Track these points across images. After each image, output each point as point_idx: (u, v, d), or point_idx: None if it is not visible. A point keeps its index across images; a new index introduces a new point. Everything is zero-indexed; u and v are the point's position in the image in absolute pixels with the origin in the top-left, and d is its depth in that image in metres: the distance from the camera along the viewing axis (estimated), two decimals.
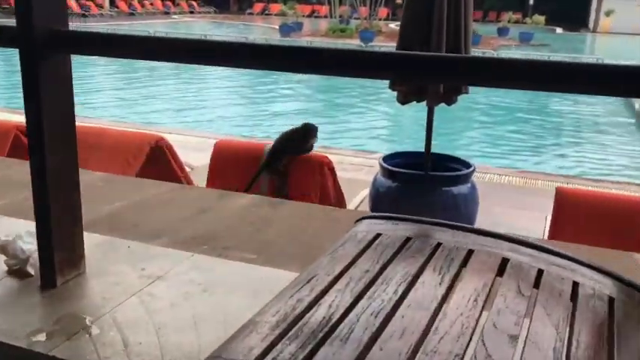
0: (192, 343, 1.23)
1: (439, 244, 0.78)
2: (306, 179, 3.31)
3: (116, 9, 35.62)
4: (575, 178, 6.12)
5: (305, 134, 3.48)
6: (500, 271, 0.73)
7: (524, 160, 7.39)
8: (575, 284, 0.71)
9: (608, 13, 32.10)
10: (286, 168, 3.39)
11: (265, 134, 7.69)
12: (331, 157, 6.13)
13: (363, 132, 8.30)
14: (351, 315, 0.59)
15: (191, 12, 40.36)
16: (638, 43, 27.33)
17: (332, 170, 3.50)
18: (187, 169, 4.91)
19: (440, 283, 0.67)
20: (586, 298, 0.68)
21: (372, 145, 7.44)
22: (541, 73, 1.05)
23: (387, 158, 3.80)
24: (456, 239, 0.80)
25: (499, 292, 0.68)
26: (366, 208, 3.85)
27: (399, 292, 0.64)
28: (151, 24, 29.01)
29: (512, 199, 5.16)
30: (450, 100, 3.60)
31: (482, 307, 0.64)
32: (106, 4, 35.79)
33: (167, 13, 37.57)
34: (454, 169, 3.69)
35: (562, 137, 8.60)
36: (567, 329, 0.61)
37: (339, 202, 3.64)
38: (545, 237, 2.95)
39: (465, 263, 0.73)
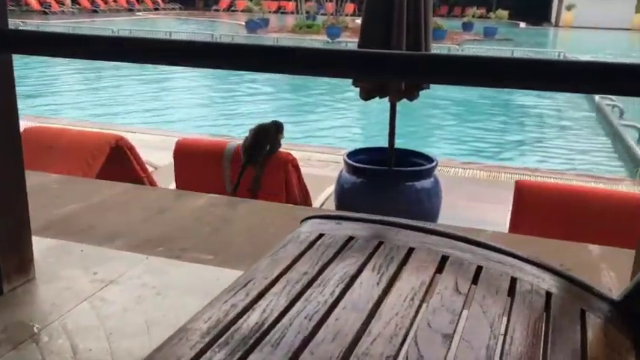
0: (144, 348, 1.21)
1: (381, 243, 0.78)
2: (270, 177, 3.28)
3: (78, 6, 34.86)
4: (537, 170, 6.23)
5: (278, 129, 3.47)
6: (440, 269, 0.73)
7: (488, 154, 7.50)
8: (514, 280, 0.72)
9: (569, 8, 32.77)
10: (264, 160, 3.38)
11: (232, 132, 7.62)
12: (299, 154, 6.12)
13: (331, 129, 8.31)
14: (285, 319, 0.58)
15: (156, 9, 39.76)
16: (599, 36, 28.01)
17: (296, 167, 3.48)
18: (151, 169, 4.84)
19: (377, 283, 0.66)
20: (523, 293, 0.69)
21: (339, 141, 7.44)
22: (497, 70, 1.05)
23: (351, 154, 3.79)
24: (398, 237, 0.79)
25: (436, 290, 0.67)
26: (331, 204, 3.85)
27: (336, 294, 0.63)
28: (115, 21, 28.49)
29: (476, 192, 5.22)
30: (411, 96, 3.61)
31: (419, 306, 0.63)
32: (68, 0, 35.02)
33: (131, 10, 36.94)
34: (417, 164, 3.70)
35: (524, 131, 8.74)
36: (503, 326, 0.61)
37: (305, 199, 3.63)
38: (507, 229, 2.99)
39: (405, 262, 0.73)
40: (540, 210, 2.88)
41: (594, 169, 6.95)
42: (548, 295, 0.70)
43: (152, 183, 3.80)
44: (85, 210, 2.02)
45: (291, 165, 3.42)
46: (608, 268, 1.68)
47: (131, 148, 3.77)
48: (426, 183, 3.54)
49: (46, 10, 31.26)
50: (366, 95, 3.69)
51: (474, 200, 4.92)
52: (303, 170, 4.07)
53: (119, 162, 3.66)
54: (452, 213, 4.03)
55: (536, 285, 0.72)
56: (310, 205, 3.69)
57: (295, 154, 6.62)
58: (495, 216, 4.20)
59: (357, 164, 3.59)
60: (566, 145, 7.86)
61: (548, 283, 0.74)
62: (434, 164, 3.61)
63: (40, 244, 1.54)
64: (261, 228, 1.94)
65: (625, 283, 1.16)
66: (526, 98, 10.80)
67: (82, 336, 1.26)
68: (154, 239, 1.78)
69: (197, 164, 3.45)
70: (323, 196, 3.90)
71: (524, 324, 0.63)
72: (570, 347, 0.61)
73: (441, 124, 8.83)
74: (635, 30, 30.60)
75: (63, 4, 33.96)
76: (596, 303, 0.72)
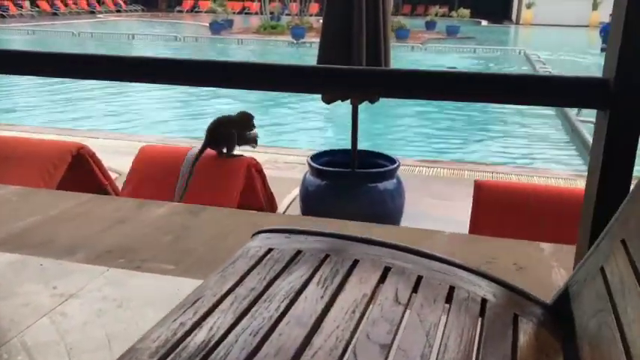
0: None
1: (327, 256, 0.81)
2: (233, 182, 3.29)
3: (37, 9, 34.08)
4: (499, 166, 6.35)
5: (244, 118, 3.46)
6: (383, 279, 0.76)
7: (452, 152, 7.63)
8: (452, 288, 0.75)
9: (529, 6, 33.47)
10: (229, 145, 3.37)
11: (198, 135, 7.58)
12: (265, 156, 6.12)
13: (299, 131, 8.32)
14: (231, 336, 0.61)
15: (118, 11, 39.13)
16: (559, 33, 28.67)
17: (260, 172, 3.50)
18: (115, 176, 4.78)
19: (322, 297, 0.69)
20: (460, 301, 0.72)
21: (306, 142, 7.46)
22: (448, 84, 1.10)
23: (315, 157, 3.83)
24: (344, 249, 0.82)
25: (377, 302, 0.70)
26: (297, 207, 3.88)
27: (281, 309, 0.66)
28: (75, 24, 27.93)
29: (440, 190, 5.30)
30: (373, 98, 3.67)
31: (360, 318, 0.67)
32: (27, 3, 34.18)
33: (92, 12, 36.29)
34: (380, 165, 3.76)
35: (485, 129, 8.89)
36: (438, 334, 0.65)
37: (270, 203, 3.65)
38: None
39: (349, 274, 0.76)
40: (498, 208, 2.96)
41: (553, 164, 7.14)
42: (484, 301, 0.74)
43: (115, 190, 3.77)
44: (43, 223, 2.01)
45: (254, 170, 3.44)
46: (558, 266, 1.75)
47: (93, 156, 3.73)
48: (388, 184, 3.60)
49: (3, 13, 30.48)
50: (328, 99, 3.74)
51: (438, 198, 5.01)
52: (270, 173, 4.09)
53: (81, 170, 3.62)
54: (416, 211, 4.10)
55: (473, 292, 0.76)
56: (276, 208, 3.71)
57: (262, 156, 6.63)
58: (457, 212, 4.29)
59: (321, 167, 3.63)
60: (527, 142, 8.04)
61: (484, 290, 0.78)
62: (396, 165, 3.67)
63: None
64: (222, 236, 1.96)
65: None
66: (487, 105, 10.98)
67: (42, 353, 1.26)
68: (114, 250, 1.78)
69: (159, 170, 3.43)
70: (288, 199, 3.93)
71: (458, 331, 0.67)
72: (502, 352, 0.65)
73: (404, 123, 8.93)
74: (593, 27, 31.41)
75: (21, 7, 33.15)
76: (530, 308, 0.76)
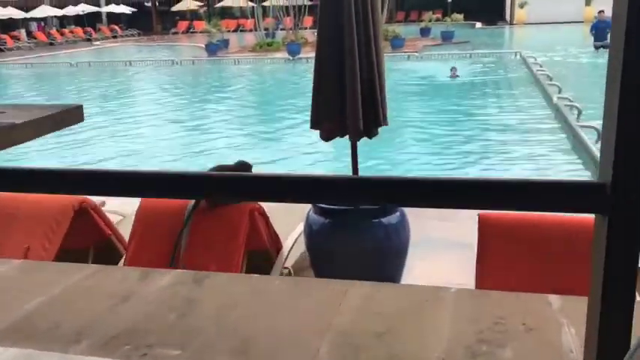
0: None
1: None
2: (237, 233, 3.27)
3: (34, 40, 34.40)
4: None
5: (248, 168, 3.46)
6: None
7: (454, 164, 7.60)
8: None
9: (522, 5, 33.55)
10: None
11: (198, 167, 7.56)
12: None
13: (300, 157, 8.24)
14: None
15: (114, 36, 39.46)
16: (554, 31, 28.69)
17: (263, 215, 3.48)
18: (119, 218, 4.78)
19: None
20: None
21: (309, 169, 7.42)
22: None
23: None
24: None
25: None
26: (302, 244, 3.85)
27: None
28: (73, 53, 28.14)
29: (443, 212, 5.28)
30: (370, 134, 3.66)
31: None
32: (23, 35, 34.50)
33: (89, 40, 36.60)
34: None
35: (488, 138, 8.81)
36: None
37: (275, 244, 3.64)
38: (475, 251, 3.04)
39: None
40: (506, 244, 2.92)
41: (554, 170, 7.10)
42: None
43: (120, 240, 3.77)
44: (48, 305, 2.00)
45: (257, 213, 3.42)
46: (568, 324, 1.72)
47: (95, 208, 3.74)
48: (392, 218, 3.59)
49: (1, 47, 30.79)
50: (326, 136, 3.73)
51: (440, 220, 4.98)
52: (269, 204, 4.05)
53: (84, 224, 3.62)
54: (420, 237, 4.07)
55: None
56: (281, 247, 3.69)
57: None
58: (461, 235, 4.28)
59: (324, 205, 3.62)
60: (529, 149, 8.01)
61: None
62: None
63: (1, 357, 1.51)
64: (228, 308, 1.94)
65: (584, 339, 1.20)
66: (488, 108, 10.96)
67: None
68: (120, 334, 1.77)
69: (160, 226, 3.41)
70: (292, 237, 3.89)
71: None
72: None
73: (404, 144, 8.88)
74: (587, 22, 31.42)
75: (18, 40, 33.49)
76: None
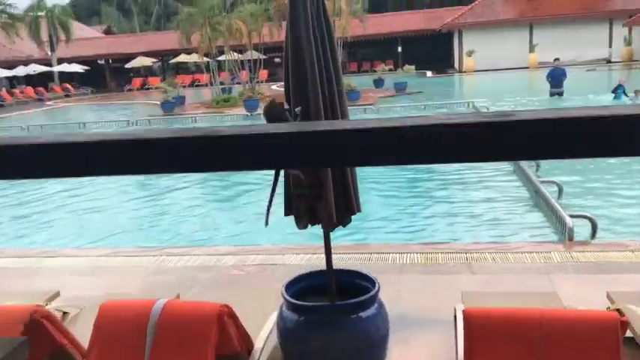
0: None
1: None
2: (205, 339, 3.06)
3: None
4: (478, 244, 6.25)
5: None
6: None
7: (417, 227, 7.56)
8: None
9: (469, 54, 34.87)
10: None
11: (161, 243, 7.29)
12: (234, 258, 5.88)
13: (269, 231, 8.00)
14: None
15: (67, 95, 38.92)
16: (502, 78, 29.75)
17: (232, 317, 3.29)
18: (76, 311, 4.49)
19: None
20: None
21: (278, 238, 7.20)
22: None
23: (290, 285, 3.65)
24: None
25: None
26: (274, 340, 3.65)
27: None
28: (24, 115, 27.51)
29: (419, 282, 5.17)
30: (344, 222, 3.56)
31: None
32: None
33: (41, 100, 35.97)
34: (359, 285, 3.61)
35: (450, 201, 8.75)
36: None
37: (246, 344, 3.45)
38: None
39: None
40: (495, 341, 2.82)
41: (520, 229, 7.13)
42: None
43: (77, 348, 3.52)
44: None
45: (227, 317, 3.24)
46: None
47: (49, 317, 3.49)
48: (370, 311, 3.45)
49: None
50: (303, 226, 3.61)
51: (417, 292, 4.86)
52: (237, 278, 3.81)
53: (38, 334, 3.36)
54: (397, 314, 3.94)
55: None
56: (252, 347, 3.49)
57: (229, 259, 6.38)
58: (440, 309, 4.16)
59: (297, 302, 3.45)
60: (492, 210, 8.04)
61: None
62: (376, 289, 3.52)
63: None
64: None
65: None
66: (448, 174, 11.04)
67: None
68: None
69: (119, 332, 3.18)
70: (263, 335, 3.68)
71: None
72: None
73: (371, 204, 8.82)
74: (532, 68, 32.85)
75: None
76: None
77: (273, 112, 3.35)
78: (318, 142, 0.64)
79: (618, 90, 16.65)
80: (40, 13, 38.88)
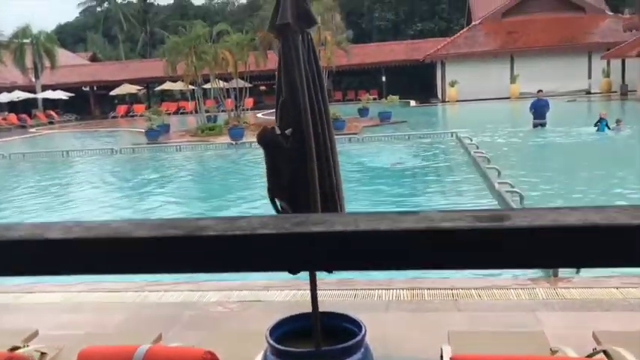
0: None
1: None
2: None
3: None
4: (464, 280, 6.19)
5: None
6: None
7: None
8: None
9: (452, 84, 35.37)
10: None
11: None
12: (216, 295, 5.77)
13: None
14: None
15: (50, 122, 38.65)
16: (485, 108, 30.16)
17: None
18: (54, 353, 4.34)
19: None
20: None
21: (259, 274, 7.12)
22: None
23: (274, 329, 3.59)
24: None
25: None
26: None
27: None
28: (7, 142, 27.23)
29: (405, 319, 5.12)
30: (330, 269, 3.52)
31: None
32: None
33: (23, 127, 35.66)
34: (345, 329, 3.56)
35: None
36: None
37: None
38: None
39: None
40: None
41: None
42: None
43: None
44: None
45: None
46: None
47: None
48: (357, 356, 3.39)
49: None
50: (295, 272, 3.57)
51: (405, 331, 4.80)
52: (220, 316, 3.69)
53: None
54: (385, 355, 3.88)
55: None
56: None
57: (212, 294, 6.26)
58: (428, 347, 4.11)
59: (282, 347, 3.39)
60: None
61: None
62: (362, 333, 3.47)
63: None
64: None
65: None
66: (431, 195, 11.10)
67: None
68: None
69: None
70: None
71: None
72: None
73: None
74: (514, 98, 33.38)
75: None
76: None
77: (267, 138, 3.41)
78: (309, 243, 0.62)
79: (601, 123, 16.83)
80: (25, 40, 38.79)
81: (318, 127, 3.35)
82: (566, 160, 13.59)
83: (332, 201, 3.52)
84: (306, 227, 0.61)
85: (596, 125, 17.03)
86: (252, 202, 9.71)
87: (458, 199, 10.54)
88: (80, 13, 71.96)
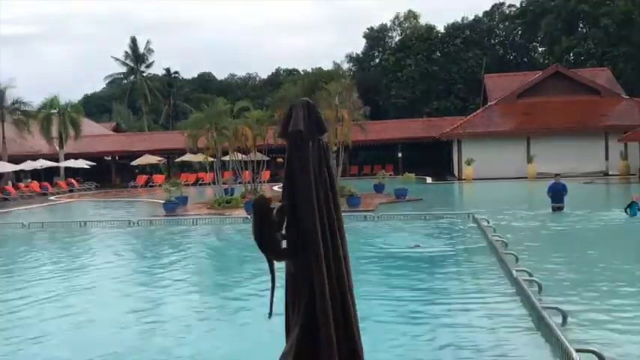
0: None
1: None
2: None
3: None
4: None
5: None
6: None
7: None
8: None
9: (469, 162, 35.54)
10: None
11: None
12: None
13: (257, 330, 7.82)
14: None
15: (71, 190, 39.31)
16: (502, 188, 30.10)
17: None
18: None
19: None
20: None
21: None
22: None
23: None
24: None
25: None
26: None
27: None
28: (27, 210, 27.67)
29: None
30: None
31: None
32: None
33: (44, 195, 36.29)
34: None
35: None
36: None
37: None
38: None
39: None
40: None
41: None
42: None
43: None
44: None
45: None
46: None
47: None
48: None
49: None
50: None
51: None
52: None
53: None
54: None
55: None
56: None
57: None
58: None
59: None
60: (493, 335, 7.79)
61: None
62: None
63: None
64: None
65: None
66: (448, 282, 10.92)
67: None
68: None
69: None
70: None
71: None
72: None
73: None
74: (531, 178, 33.36)
75: None
76: None
77: (256, 204, 3.69)
78: None
79: (633, 206, 16.29)
80: (52, 111, 40.15)
81: (330, 252, 3.40)
82: (591, 247, 13.40)
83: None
84: None
85: (626, 209, 16.46)
86: (262, 277, 9.61)
87: (474, 286, 10.38)
88: (107, 84, 74.72)
